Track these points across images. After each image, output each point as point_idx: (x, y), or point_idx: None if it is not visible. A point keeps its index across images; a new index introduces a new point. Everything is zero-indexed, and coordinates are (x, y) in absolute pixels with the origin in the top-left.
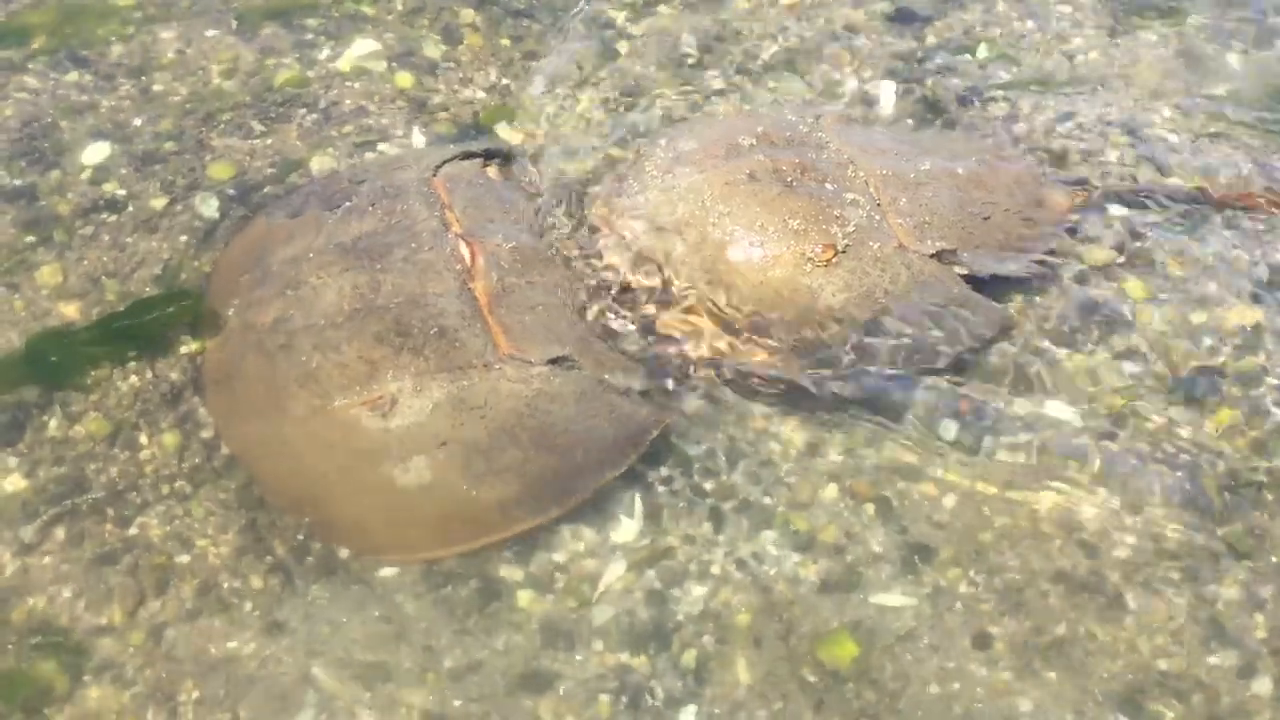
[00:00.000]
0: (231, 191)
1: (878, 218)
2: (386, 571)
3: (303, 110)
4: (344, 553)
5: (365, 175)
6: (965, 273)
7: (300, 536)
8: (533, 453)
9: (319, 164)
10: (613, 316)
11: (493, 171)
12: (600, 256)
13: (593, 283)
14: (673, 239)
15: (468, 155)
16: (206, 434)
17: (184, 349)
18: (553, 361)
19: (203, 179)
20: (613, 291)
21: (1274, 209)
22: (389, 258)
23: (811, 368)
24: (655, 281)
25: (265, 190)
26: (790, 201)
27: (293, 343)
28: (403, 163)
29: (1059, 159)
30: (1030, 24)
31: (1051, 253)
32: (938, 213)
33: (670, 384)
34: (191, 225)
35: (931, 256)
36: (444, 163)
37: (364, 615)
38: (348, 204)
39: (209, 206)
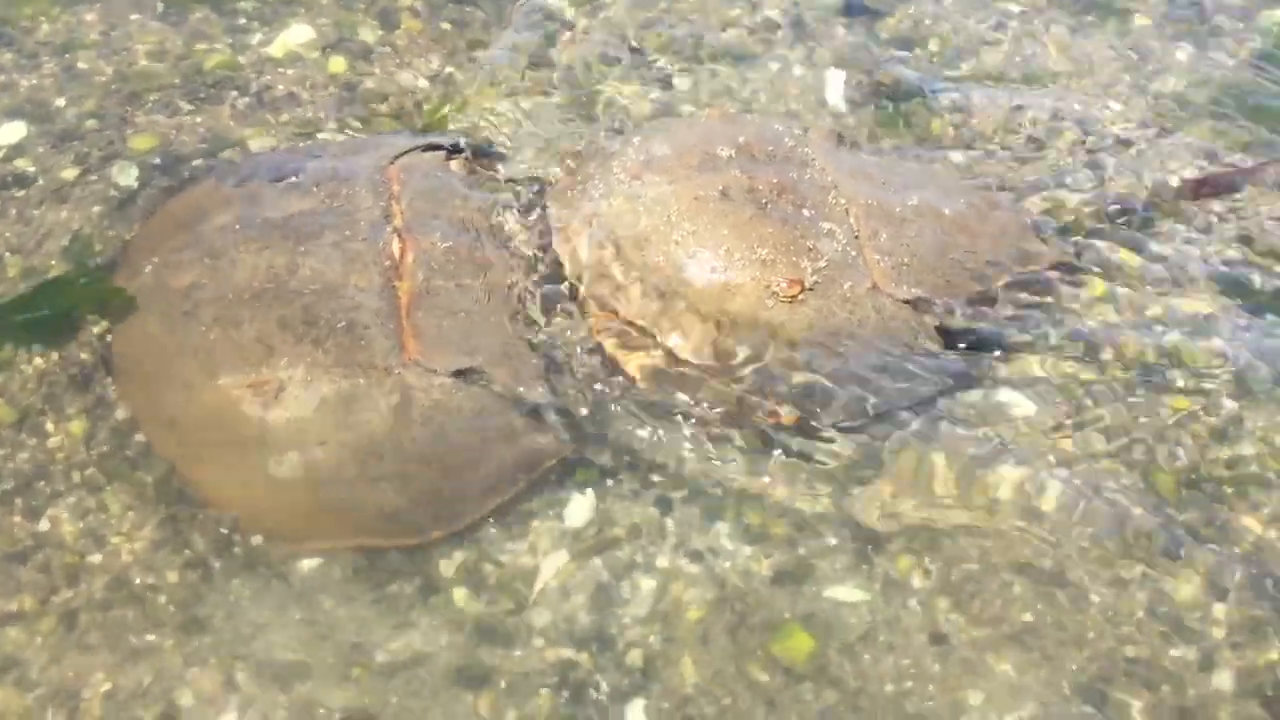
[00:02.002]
0: (156, 161)
1: (854, 252)
2: (311, 564)
3: (234, 93)
4: (269, 547)
5: (321, 153)
6: (937, 324)
7: (223, 530)
8: (413, 467)
9: (257, 144)
10: (551, 329)
11: (457, 165)
12: (551, 263)
13: (537, 290)
14: (632, 253)
15: (433, 147)
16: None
17: (94, 329)
18: (461, 373)
19: (123, 150)
20: (558, 302)
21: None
22: (317, 241)
23: (757, 410)
24: (607, 296)
25: (195, 163)
26: (761, 227)
27: (196, 311)
28: (363, 146)
29: (1014, 155)
30: (980, 20)
31: (1029, 308)
32: (918, 255)
33: (591, 406)
34: (106, 195)
35: (905, 303)
36: (406, 152)
37: (288, 612)
38: (292, 180)
39: (127, 176)
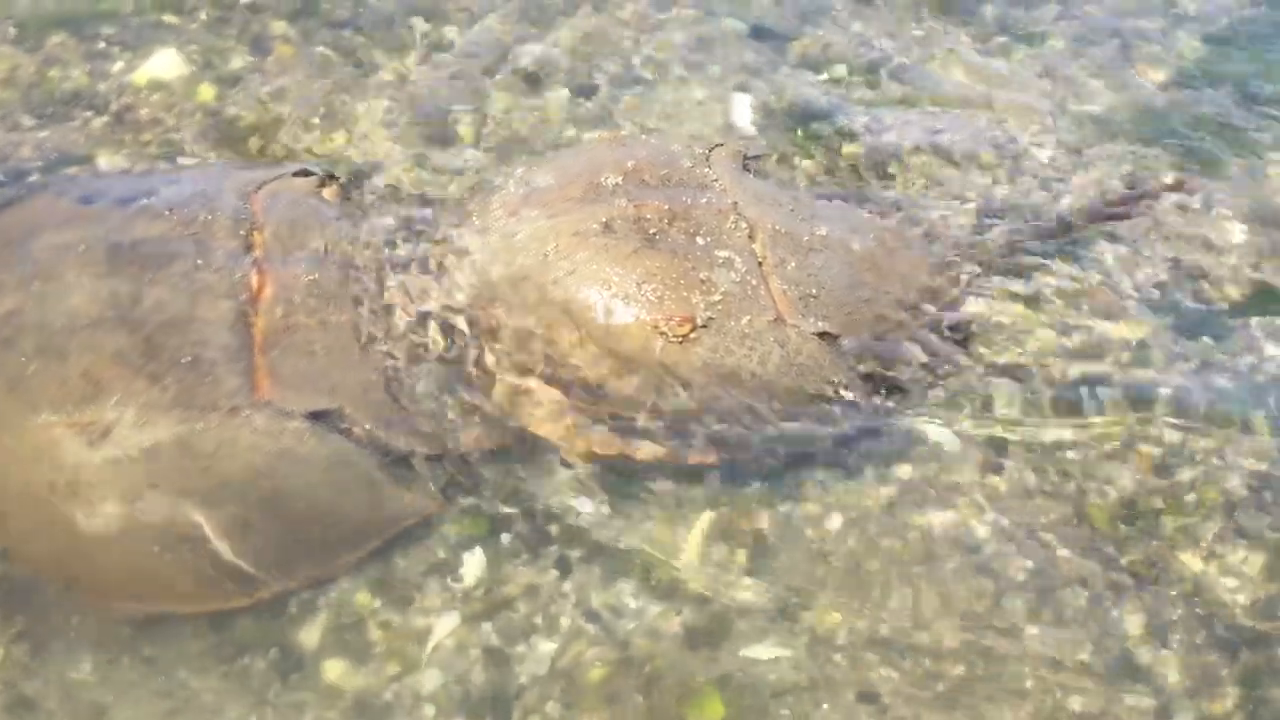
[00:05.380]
0: None
1: (754, 281)
2: (163, 633)
3: (89, 113)
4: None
5: (179, 177)
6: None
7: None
8: (251, 525)
9: (107, 161)
10: (426, 372)
11: (329, 193)
12: (424, 303)
13: (412, 330)
14: (508, 295)
15: (304, 173)
16: None
17: None
18: (320, 418)
19: None
20: (435, 343)
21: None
22: (166, 270)
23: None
24: (486, 339)
25: (32, 178)
26: (648, 261)
27: (16, 340)
28: (226, 172)
29: (930, 180)
30: (890, 42)
31: (946, 343)
32: (826, 288)
33: (472, 456)
34: None
35: (814, 335)
36: (275, 179)
37: (135, 690)
38: (143, 202)
39: None
